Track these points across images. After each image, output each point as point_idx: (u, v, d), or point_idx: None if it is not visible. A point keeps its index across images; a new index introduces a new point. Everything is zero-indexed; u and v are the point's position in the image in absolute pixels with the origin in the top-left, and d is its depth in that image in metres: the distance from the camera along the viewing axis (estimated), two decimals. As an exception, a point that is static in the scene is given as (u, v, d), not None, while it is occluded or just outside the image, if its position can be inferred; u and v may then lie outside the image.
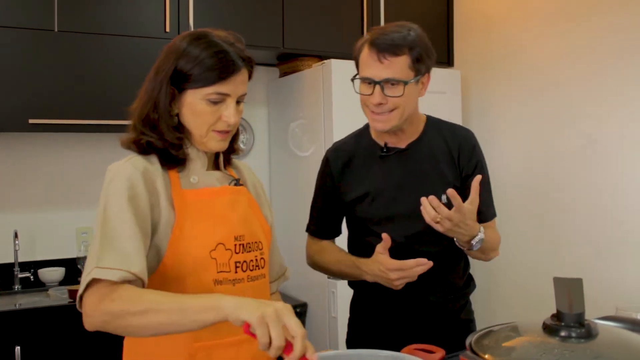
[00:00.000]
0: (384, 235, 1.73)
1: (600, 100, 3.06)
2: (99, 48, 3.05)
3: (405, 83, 1.73)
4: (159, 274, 1.39)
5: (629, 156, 2.93)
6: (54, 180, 3.36)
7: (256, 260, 1.50)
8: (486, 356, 1.11)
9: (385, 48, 1.71)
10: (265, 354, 1.49)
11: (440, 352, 1.32)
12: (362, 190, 1.88)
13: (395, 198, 1.84)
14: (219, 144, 1.47)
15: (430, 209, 1.63)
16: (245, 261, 1.46)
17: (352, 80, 1.83)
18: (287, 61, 3.72)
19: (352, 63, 3.28)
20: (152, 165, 1.42)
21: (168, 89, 1.41)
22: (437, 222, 1.64)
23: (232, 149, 1.60)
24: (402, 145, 1.88)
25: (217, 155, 1.56)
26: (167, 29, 3.16)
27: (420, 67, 1.76)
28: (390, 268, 1.69)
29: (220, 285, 1.40)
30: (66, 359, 2.72)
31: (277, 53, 3.61)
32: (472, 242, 1.72)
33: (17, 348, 2.62)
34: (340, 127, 3.25)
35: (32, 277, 3.22)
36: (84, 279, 1.26)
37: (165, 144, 1.43)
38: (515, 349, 1.12)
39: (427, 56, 1.78)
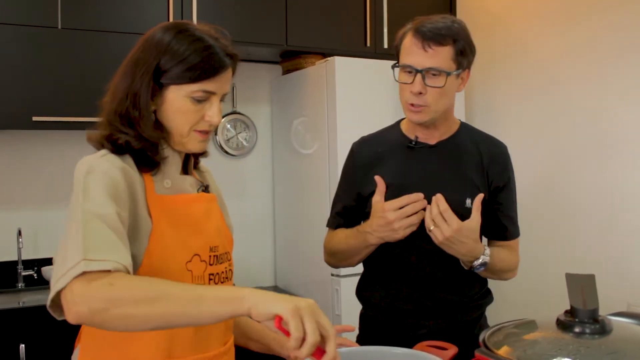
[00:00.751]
0: (377, 178, 1.68)
1: (604, 98, 3.05)
2: (103, 45, 3.05)
3: (448, 74, 1.68)
4: None
5: (635, 153, 2.92)
6: (58, 178, 3.36)
7: (226, 271, 1.43)
8: (500, 352, 1.11)
9: (430, 37, 1.67)
10: None
11: (453, 349, 1.31)
12: (385, 181, 1.80)
13: (414, 193, 1.73)
14: (200, 145, 1.38)
15: (435, 208, 1.61)
16: (217, 273, 1.39)
17: (393, 68, 1.78)
18: (290, 58, 3.71)
19: (355, 60, 3.33)
20: (127, 165, 1.31)
21: (149, 84, 1.31)
22: (430, 230, 1.62)
23: (202, 152, 1.49)
24: (432, 141, 1.84)
25: (186, 158, 1.46)
26: (171, 26, 3.15)
27: (463, 60, 1.72)
28: (387, 208, 1.63)
29: None
30: (70, 357, 2.71)
31: (280, 50, 3.60)
32: (474, 263, 1.67)
33: (22, 346, 2.61)
34: (343, 124, 3.25)
35: (35, 275, 3.22)
36: (66, 273, 1.09)
37: (144, 144, 1.32)
38: (530, 344, 1.11)
39: (469, 51, 1.74)
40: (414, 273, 1.79)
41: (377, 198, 1.69)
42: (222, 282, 1.40)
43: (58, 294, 1.12)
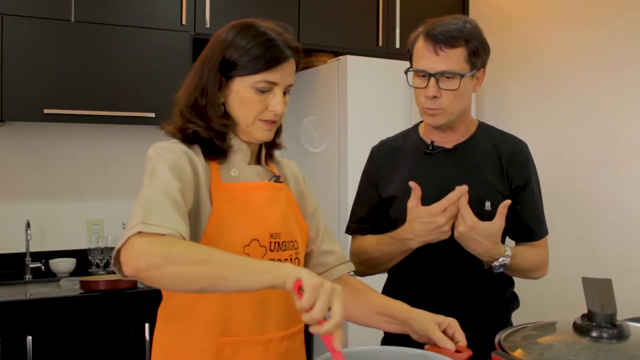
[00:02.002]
0: (412, 184, 1.64)
1: (616, 101, 3.04)
2: (115, 39, 3.05)
3: (462, 76, 1.67)
4: None
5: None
6: (67, 170, 3.36)
7: (290, 259, 1.45)
8: (516, 354, 1.10)
9: (441, 39, 1.66)
10: (297, 356, 1.48)
11: (467, 352, 1.30)
12: (400, 188, 1.80)
13: (432, 197, 1.70)
14: (265, 134, 1.44)
15: (454, 195, 1.58)
16: (279, 260, 1.42)
17: (406, 72, 1.77)
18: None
19: (367, 59, 3.32)
20: (195, 153, 1.40)
21: (216, 76, 1.40)
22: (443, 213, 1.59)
23: (273, 144, 1.57)
24: (450, 145, 1.81)
25: (259, 149, 1.54)
26: (184, 22, 3.16)
27: (477, 61, 1.70)
28: (435, 212, 1.59)
29: None
30: (77, 350, 2.72)
31: (292, 48, 3.59)
32: (493, 264, 1.66)
33: (29, 338, 2.61)
34: (354, 124, 3.24)
35: (43, 267, 3.23)
36: (125, 233, 1.20)
37: (211, 134, 1.41)
38: (547, 348, 1.11)
39: (483, 50, 1.72)
40: (439, 279, 1.77)
41: (414, 203, 1.64)
42: None
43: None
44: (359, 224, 1.92)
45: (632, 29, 2.97)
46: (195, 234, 1.35)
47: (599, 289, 1.18)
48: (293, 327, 1.47)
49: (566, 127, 3.28)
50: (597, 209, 3.11)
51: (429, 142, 1.83)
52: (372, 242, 1.83)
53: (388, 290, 1.92)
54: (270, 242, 1.42)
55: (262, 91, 1.40)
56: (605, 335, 1.10)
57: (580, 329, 1.13)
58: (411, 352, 1.25)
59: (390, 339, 1.84)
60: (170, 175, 1.29)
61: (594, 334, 1.11)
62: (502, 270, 1.68)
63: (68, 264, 3.22)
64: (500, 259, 1.65)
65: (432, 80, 1.68)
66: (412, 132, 1.92)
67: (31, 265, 3.17)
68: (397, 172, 1.85)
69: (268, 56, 1.38)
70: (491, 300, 1.81)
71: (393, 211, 1.84)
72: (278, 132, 1.55)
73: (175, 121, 1.45)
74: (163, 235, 1.18)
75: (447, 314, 1.59)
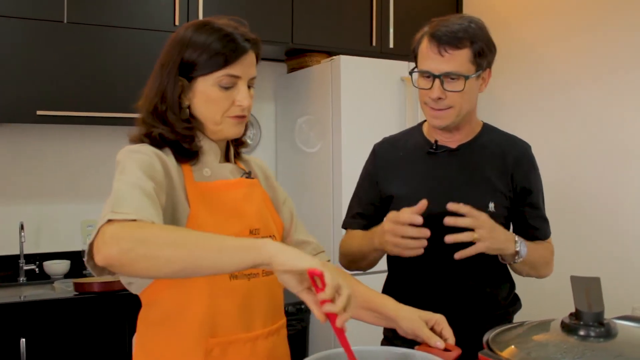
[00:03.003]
0: (422, 202, 1.58)
1: (612, 99, 3.04)
2: (108, 40, 3.04)
3: (467, 78, 1.66)
4: None
5: (637, 153, 2.91)
6: (61, 172, 3.35)
7: None
8: (504, 354, 1.10)
9: (446, 40, 1.64)
10: (282, 350, 1.49)
11: (456, 351, 1.30)
12: (402, 187, 1.80)
13: (434, 198, 1.67)
14: (235, 129, 1.44)
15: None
16: None
17: (410, 73, 1.76)
18: (296, 57, 3.70)
19: (360, 59, 3.32)
20: (166, 155, 1.39)
21: (176, 79, 1.38)
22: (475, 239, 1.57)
23: (240, 142, 1.57)
24: (453, 145, 1.80)
25: (227, 148, 1.53)
26: (176, 22, 3.15)
27: (482, 61, 1.69)
28: (388, 217, 1.58)
29: (236, 280, 1.37)
30: (71, 352, 2.71)
31: (286, 48, 3.59)
32: (517, 248, 1.64)
33: (22, 340, 2.61)
34: (348, 123, 3.25)
35: (37, 269, 3.22)
36: (95, 226, 1.17)
37: (177, 137, 1.39)
38: (535, 347, 1.10)
39: (488, 50, 1.70)
40: (440, 280, 1.76)
41: (405, 209, 1.60)
42: None
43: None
44: (354, 219, 1.92)
45: (628, 27, 2.97)
46: None
47: (586, 288, 1.18)
48: (277, 322, 1.48)
49: (561, 126, 3.28)
50: (596, 208, 3.11)
51: (432, 141, 1.82)
52: (356, 237, 1.84)
53: (388, 289, 1.92)
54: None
55: (227, 87, 1.39)
56: (592, 333, 1.10)
57: (568, 328, 1.13)
58: (398, 352, 1.25)
59: (389, 339, 1.84)
60: (141, 174, 1.27)
61: (582, 332, 1.11)
62: (525, 250, 1.66)
63: (62, 265, 3.21)
64: (517, 241, 1.65)
65: (437, 81, 1.67)
66: (416, 130, 1.91)
67: (25, 268, 3.15)
68: (399, 171, 1.84)
69: (227, 51, 1.37)
70: (492, 301, 1.80)
71: (393, 210, 1.83)
72: (245, 130, 1.53)
73: (139, 128, 1.43)
74: (134, 220, 1.15)
75: (447, 314, 1.59)
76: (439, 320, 1.43)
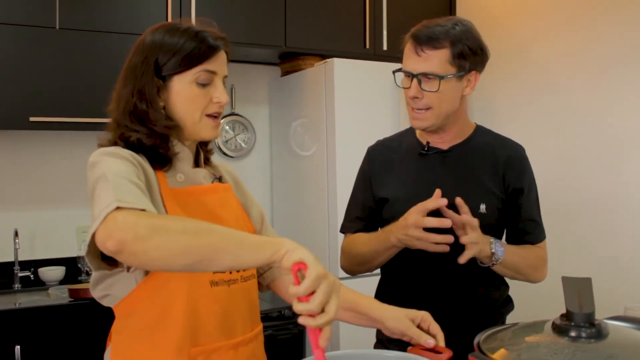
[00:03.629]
0: (437, 192, 1.62)
1: (605, 99, 3.04)
2: (101, 46, 3.04)
3: (441, 78, 1.66)
4: (154, 279, 1.31)
5: (636, 156, 2.91)
6: (55, 178, 3.35)
7: None
8: (495, 356, 1.10)
9: (424, 40, 1.67)
10: (260, 355, 1.47)
11: (447, 353, 1.30)
12: (395, 189, 1.81)
13: (425, 200, 1.69)
14: (213, 131, 1.43)
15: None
16: None
17: (394, 73, 1.79)
18: (289, 60, 3.70)
19: (354, 62, 3.33)
20: (141, 158, 1.36)
21: (153, 79, 1.37)
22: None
23: (207, 149, 1.56)
24: (445, 146, 1.81)
25: (197, 154, 1.51)
26: (169, 27, 3.15)
27: (463, 63, 1.69)
28: (413, 210, 1.60)
29: (217, 287, 1.35)
30: (66, 358, 2.71)
31: (279, 52, 3.59)
32: (492, 247, 1.65)
33: (17, 347, 2.60)
34: (342, 126, 3.25)
35: (32, 276, 3.21)
36: (100, 213, 1.12)
37: (155, 141, 1.37)
38: (525, 349, 1.10)
39: (472, 53, 1.70)
40: (433, 282, 1.76)
41: (424, 203, 1.62)
42: (244, 271, 1.42)
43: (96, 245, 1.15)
44: (353, 223, 1.93)
45: (622, 26, 2.97)
46: None
47: (578, 288, 1.17)
48: (255, 327, 1.47)
49: (555, 126, 3.28)
50: (590, 208, 3.11)
51: (424, 143, 1.83)
52: (363, 239, 1.84)
53: (381, 292, 1.92)
54: None
55: (204, 84, 1.39)
56: (583, 334, 1.10)
57: (559, 329, 1.13)
58: (390, 355, 1.24)
59: (382, 342, 1.83)
60: (125, 168, 1.24)
61: (573, 333, 1.10)
62: (502, 251, 1.66)
63: (57, 272, 3.20)
64: (492, 244, 1.65)
65: (415, 80, 1.69)
66: (409, 132, 1.92)
67: (20, 274, 3.15)
68: (392, 173, 1.85)
69: (203, 47, 1.37)
70: (485, 303, 1.80)
71: (386, 212, 1.84)
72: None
73: (112, 132, 1.41)
74: (144, 210, 1.12)
75: (440, 316, 1.59)
76: (425, 317, 1.43)
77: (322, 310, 1.06)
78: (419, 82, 1.69)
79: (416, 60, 1.69)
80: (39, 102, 2.92)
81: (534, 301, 3.08)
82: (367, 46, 3.65)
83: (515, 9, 3.55)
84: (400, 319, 1.42)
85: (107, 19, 3.06)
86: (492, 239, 1.67)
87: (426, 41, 1.67)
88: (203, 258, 1.10)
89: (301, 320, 1.06)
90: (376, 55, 3.65)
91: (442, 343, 1.36)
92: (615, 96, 2.99)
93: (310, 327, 1.06)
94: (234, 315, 1.39)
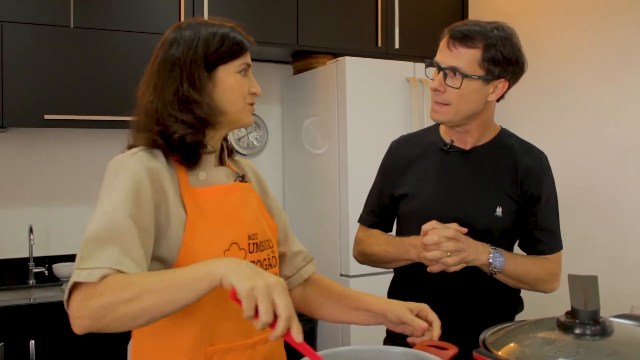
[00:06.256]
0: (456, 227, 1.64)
1: (618, 101, 3.02)
2: (115, 44, 3.07)
3: (465, 76, 1.65)
4: None
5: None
6: (69, 175, 3.39)
7: (269, 258, 1.47)
8: (500, 353, 1.11)
9: (458, 36, 1.67)
10: (279, 353, 1.49)
11: (453, 349, 1.31)
12: (412, 185, 1.81)
13: (443, 199, 1.76)
14: (251, 117, 1.49)
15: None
16: (259, 260, 1.43)
17: (425, 62, 1.79)
18: (301, 58, 3.72)
19: (366, 60, 3.32)
20: (159, 162, 1.37)
21: (202, 68, 1.40)
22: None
23: (229, 148, 1.59)
24: (467, 146, 1.80)
25: (221, 151, 1.54)
26: (182, 26, 3.17)
27: (493, 68, 1.67)
28: (425, 228, 1.61)
29: None
30: (80, 354, 2.74)
31: (291, 50, 3.61)
32: (490, 256, 1.66)
33: (32, 342, 2.63)
34: (354, 124, 3.25)
35: (46, 271, 3.25)
36: (71, 279, 1.18)
37: (198, 136, 1.39)
38: (530, 345, 1.11)
39: (506, 61, 1.68)
40: (445, 281, 1.76)
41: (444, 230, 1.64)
42: (265, 269, 1.41)
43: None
44: (369, 216, 1.96)
45: (636, 27, 2.95)
46: (173, 245, 1.33)
47: (583, 286, 1.18)
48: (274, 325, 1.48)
49: (568, 127, 3.27)
50: (597, 207, 3.10)
51: (447, 140, 1.83)
52: (379, 241, 1.86)
53: (393, 290, 1.94)
54: (249, 244, 1.42)
55: (244, 75, 1.44)
56: (588, 332, 1.10)
57: (564, 326, 1.13)
58: (395, 351, 1.25)
59: (392, 337, 1.85)
60: (123, 200, 1.26)
61: (577, 331, 1.11)
62: (501, 262, 1.67)
63: (71, 268, 3.22)
64: (492, 254, 1.65)
65: (441, 74, 1.69)
66: (433, 129, 1.92)
67: (34, 270, 3.19)
68: (412, 170, 1.85)
69: (243, 40, 1.44)
70: (496, 302, 1.80)
71: (403, 208, 1.85)
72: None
73: (148, 127, 1.40)
74: (96, 282, 1.15)
75: (452, 314, 1.62)
76: (423, 307, 1.46)
77: (277, 315, 1.08)
78: (445, 77, 1.68)
79: (447, 54, 1.69)
80: (54, 100, 2.96)
81: (545, 299, 3.08)
82: (379, 45, 3.66)
83: (529, 9, 3.53)
84: (400, 308, 1.46)
85: (121, 17, 3.09)
86: (492, 249, 1.67)
87: (460, 38, 1.67)
88: (153, 315, 1.15)
89: (271, 338, 1.09)
90: (388, 53, 3.65)
91: (436, 331, 1.40)
92: (629, 97, 2.97)
93: (278, 337, 1.08)
94: None
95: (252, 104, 1.48)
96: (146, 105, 1.42)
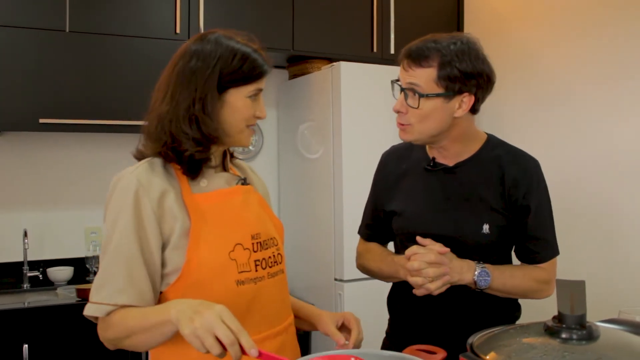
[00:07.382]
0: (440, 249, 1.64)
1: (614, 107, 3.02)
2: (110, 49, 3.08)
3: (422, 95, 1.63)
4: (181, 281, 1.38)
5: (635, 161, 2.91)
6: (64, 179, 3.39)
7: (274, 256, 1.51)
8: (487, 357, 1.11)
9: (412, 57, 1.65)
10: (291, 347, 1.56)
11: (441, 353, 1.31)
12: (400, 202, 1.81)
13: (430, 217, 1.74)
14: (250, 139, 1.52)
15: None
16: (264, 258, 1.47)
17: (392, 83, 1.76)
18: (297, 63, 3.73)
19: (361, 66, 3.34)
20: (159, 174, 1.42)
21: (214, 91, 1.41)
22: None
23: (232, 154, 1.63)
24: (450, 162, 1.77)
25: (223, 157, 1.57)
26: (178, 31, 3.18)
27: (452, 85, 1.62)
28: (408, 253, 1.61)
29: (243, 285, 1.41)
30: (73, 358, 2.74)
31: (287, 55, 3.62)
32: (475, 273, 1.65)
33: (25, 346, 2.63)
34: (349, 129, 3.26)
35: (40, 275, 3.25)
36: (89, 304, 1.38)
37: (206, 154, 1.44)
38: (516, 350, 1.11)
39: (465, 76, 1.63)
40: (443, 292, 1.73)
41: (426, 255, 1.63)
42: (270, 267, 1.49)
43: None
44: (366, 229, 1.98)
45: (631, 35, 2.95)
46: (179, 251, 1.39)
47: (571, 291, 1.18)
48: (284, 320, 1.53)
49: (563, 133, 3.28)
50: (588, 212, 3.11)
51: (431, 157, 1.80)
52: (375, 256, 1.89)
53: (393, 297, 1.95)
54: (253, 244, 1.46)
55: (253, 100, 1.46)
56: (574, 336, 1.10)
57: (550, 331, 1.14)
58: (386, 354, 1.26)
59: (391, 339, 1.88)
60: (127, 234, 1.36)
61: (564, 335, 1.11)
62: (487, 281, 1.66)
63: (65, 272, 3.24)
64: (476, 272, 1.65)
65: (402, 94, 1.68)
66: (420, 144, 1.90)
67: (29, 274, 3.19)
68: (400, 186, 1.85)
69: (264, 65, 1.46)
70: (495, 309, 1.80)
71: (394, 224, 1.86)
72: None
73: (158, 137, 1.43)
74: (104, 317, 1.36)
75: (449, 320, 1.66)
76: (347, 316, 1.54)
77: (222, 342, 1.16)
78: (406, 97, 1.66)
79: (404, 74, 1.68)
80: (49, 104, 2.96)
81: (545, 302, 3.09)
82: (375, 50, 3.67)
83: (524, 16, 3.54)
84: (327, 321, 1.55)
85: (117, 22, 3.10)
86: (478, 267, 1.66)
87: (415, 58, 1.64)
88: (152, 346, 1.35)
89: None
90: (383, 59, 3.66)
91: (353, 337, 1.49)
92: (624, 103, 2.98)
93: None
94: (260, 312, 1.45)
95: (252, 127, 1.50)
96: (160, 113, 1.44)
